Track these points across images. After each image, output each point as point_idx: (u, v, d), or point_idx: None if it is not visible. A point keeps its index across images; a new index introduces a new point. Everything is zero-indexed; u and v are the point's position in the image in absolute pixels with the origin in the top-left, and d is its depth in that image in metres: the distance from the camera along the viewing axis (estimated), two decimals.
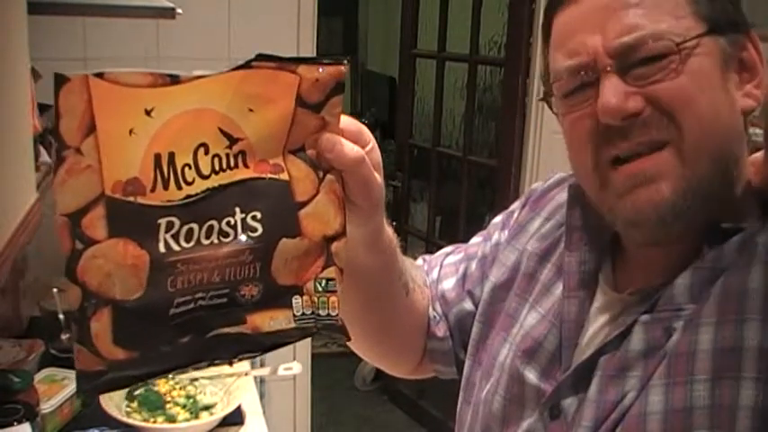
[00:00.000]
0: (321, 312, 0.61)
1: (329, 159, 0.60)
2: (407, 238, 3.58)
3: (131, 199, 0.54)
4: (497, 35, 3.24)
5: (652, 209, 0.65)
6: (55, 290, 1.74)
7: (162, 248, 0.55)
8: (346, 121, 0.62)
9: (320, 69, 0.60)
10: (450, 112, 3.48)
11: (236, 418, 1.48)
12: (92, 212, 0.53)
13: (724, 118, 0.66)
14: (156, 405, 1.43)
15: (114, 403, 1.42)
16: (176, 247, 0.55)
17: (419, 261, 0.98)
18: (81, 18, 1.99)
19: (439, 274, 0.94)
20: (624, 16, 0.65)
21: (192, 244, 0.56)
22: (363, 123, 0.66)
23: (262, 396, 1.74)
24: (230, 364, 0.60)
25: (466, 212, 3.19)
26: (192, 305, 0.56)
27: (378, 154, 0.66)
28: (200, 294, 0.56)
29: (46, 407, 1.38)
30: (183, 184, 0.55)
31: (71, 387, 1.46)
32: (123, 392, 1.46)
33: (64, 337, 1.69)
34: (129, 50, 2.16)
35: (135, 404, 1.45)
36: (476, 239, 0.95)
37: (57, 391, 1.44)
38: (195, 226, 0.56)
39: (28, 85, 1.19)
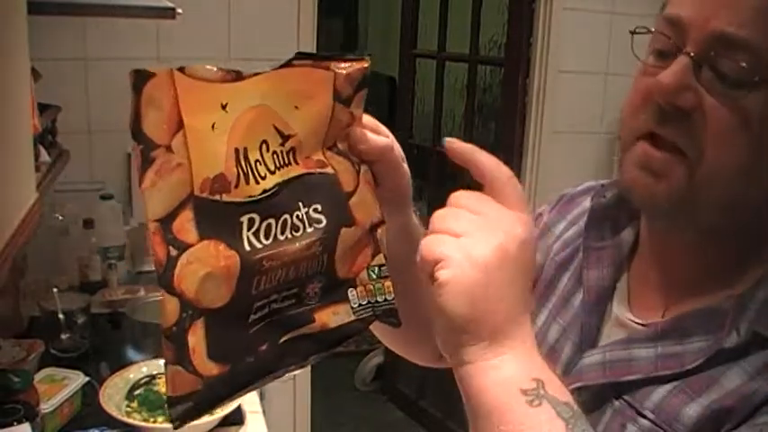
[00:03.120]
0: (379, 299, 0.62)
1: (362, 151, 0.62)
2: None
3: (217, 197, 0.52)
4: (497, 35, 3.24)
5: (644, 194, 0.65)
6: (55, 290, 1.74)
7: (247, 246, 0.53)
8: (365, 118, 0.64)
9: (349, 64, 0.61)
10: (450, 112, 3.48)
11: (236, 417, 1.47)
12: (182, 215, 0.50)
13: (759, 171, 0.61)
14: (156, 405, 1.43)
15: (114, 403, 1.42)
16: (258, 245, 0.54)
17: None
18: (81, 18, 1.99)
19: None
20: (744, 10, 0.59)
21: (270, 240, 0.54)
22: None
23: (262, 396, 1.74)
24: (302, 366, 0.59)
25: None
26: (266, 309, 0.55)
27: (399, 146, 0.68)
28: (274, 296, 0.55)
29: (46, 407, 1.38)
30: (259, 179, 0.55)
31: (71, 387, 1.46)
32: (123, 392, 1.46)
33: (64, 337, 1.70)
34: (129, 50, 2.16)
35: (135, 404, 1.45)
36: None
37: (57, 391, 1.44)
38: (273, 221, 0.55)
39: (28, 85, 1.20)
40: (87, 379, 1.51)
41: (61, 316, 1.70)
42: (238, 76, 0.54)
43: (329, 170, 0.60)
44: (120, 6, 1.57)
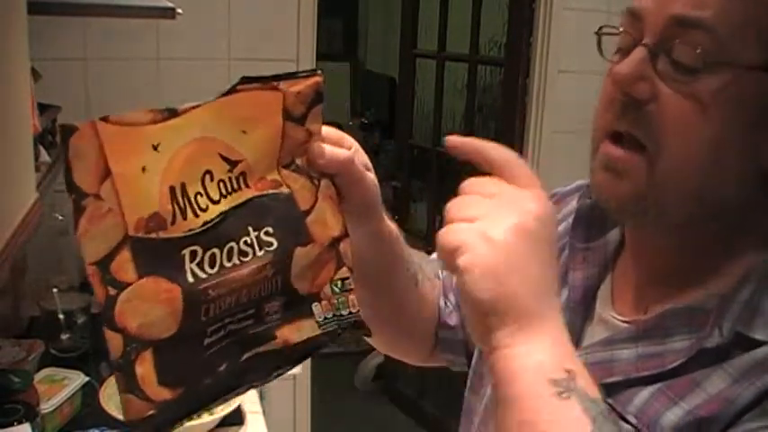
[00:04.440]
0: (343, 312, 0.63)
1: (321, 166, 0.63)
2: (407, 238, 3.57)
3: (154, 235, 0.54)
4: (497, 35, 3.24)
5: (608, 196, 0.65)
6: (55, 290, 1.74)
7: (190, 278, 0.55)
8: (327, 130, 0.64)
9: (298, 82, 0.61)
10: (450, 112, 3.48)
11: (235, 418, 1.48)
12: (119, 256, 0.53)
13: (723, 158, 0.60)
14: None
15: (114, 403, 1.42)
16: (202, 275, 0.55)
17: (434, 255, 0.99)
18: (81, 18, 1.99)
19: None
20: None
21: (216, 269, 0.56)
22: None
23: (262, 396, 1.74)
24: (266, 382, 0.60)
25: None
26: (222, 332, 0.57)
27: (363, 154, 0.68)
28: (228, 319, 0.57)
29: (46, 407, 1.38)
30: (198, 212, 0.56)
31: (71, 387, 1.46)
32: None
33: (64, 337, 1.70)
34: (129, 50, 2.16)
35: None
36: None
37: (57, 391, 1.44)
38: (216, 251, 0.56)
39: (28, 85, 1.20)
40: (87, 379, 1.51)
41: (61, 316, 1.70)
42: (172, 114, 0.55)
43: (284, 189, 0.61)
44: (120, 6, 1.57)
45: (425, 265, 0.92)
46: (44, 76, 1.56)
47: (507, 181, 0.56)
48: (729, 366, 0.59)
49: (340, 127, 0.68)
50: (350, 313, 0.63)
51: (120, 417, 1.41)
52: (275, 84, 0.60)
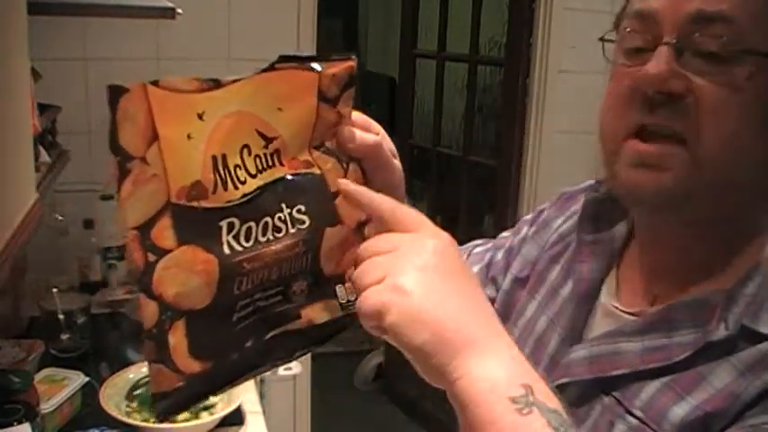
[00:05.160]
0: None
1: (351, 149, 0.63)
2: None
3: (195, 204, 0.54)
4: (497, 35, 3.24)
5: (647, 191, 0.65)
6: (55, 290, 1.74)
7: (226, 250, 0.55)
8: (356, 115, 0.64)
9: (333, 64, 0.61)
10: (450, 112, 3.48)
11: (236, 418, 1.47)
12: (160, 222, 0.52)
13: (756, 142, 0.62)
14: None
15: (114, 403, 1.42)
16: (238, 248, 0.55)
17: None
18: (81, 18, 1.99)
19: (467, 260, 0.96)
20: None
21: (251, 243, 0.56)
22: None
23: (262, 396, 1.74)
24: (289, 361, 0.60)
25: (466, 212, 3.19)
26: (251, 308, 0.57)
27: (389, 141, 0.68)
28: (258, 295, 0.57)
29: (46, 407, 1.38)
30: (238, 184, 0.56)
31: (71, 387, 1.46)
32: (123, 392, 1.46)
33: (64, 337, 1.70)
34: (129, 50, 2.16)
35: (135, 404, 1.45)
36: (506, 233, 0.97)
37: (57, 391, 1.44)
38: (253, 224, 0.56)
39: (28, 85, 1.20)
40: (87, 379, 1.51)
41: (61, 316, 1.70)
42: (216, 85, 0.55)
43: (315, 170, 0.61)
44: (120, 6, 1.57)
45: None
46: (44, 76, 1.56)
47: (397, 229, 0.57)
48: (735, 359, 0.60)
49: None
50: None
51: (121, 417, 1.41)
52: (312, 64, 0.60)
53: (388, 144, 0.68)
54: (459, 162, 3.16)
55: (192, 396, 0.54)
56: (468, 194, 3.15)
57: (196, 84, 0.54)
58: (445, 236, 0.57)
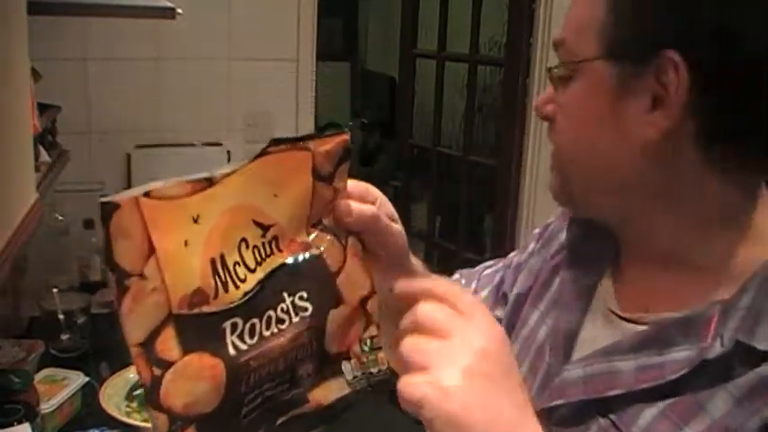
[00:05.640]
0: (372, 370, 0.63)
1: (348, 224, 0.62)
2: (407, 238, 3.57)
3: (197, 311, 0.53)
4: (497, 35, 3.25)
5: (550, 189, 0.73)
6: (55, 290, 1.74)
7: (231, 351, 0.54)
8: (351, 184, 0.64)
9: (327, 141, 0.61)
10: (450, 112, 3.48)
11: None
12: (163, 334, 0.51)
13: (601, 148, 0.66)
14: None
15: (114, 403, 1.42)
16: (243, 347, 0.54)
17: (455, 276, 1.00)
18: (81, 18, 1.99)
19: (477, 285, 0.95)
20: (567, 14, 0.69)
21: (255, 339, 0.55)
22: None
23: None
24: None
25: (466, 212, 3.19)
26: (259, 399, 0.56)
27: (389, 205, 0.69)
28: (266, 386, 0.56)
29: (46, 407, 1.38)
30: (239, 283, 0.55)
31: (71, 387, 1.46)
32: (123, 392, 1.46)
33: (64, 337, 1.70)
34: (129, 50, 2.16)
35: (135, 404, 1.45)
36: (515, 252, 0.96)
37: (57, 391, 1.44)
38: (256, 320, 0.55)
39: (28, 85, 1.20)
40: (87, 379, 1.51)
41: (61, 316, 1.70)
42: (209, 183, 0.54)
43: (314, 251, 0.60)
44: (120, 6, 1.57)
45: None
46: (44, 76, 1.56)
47: (453, 308, 0.57)
48: (734, 387, 0.58)
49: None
50: (379, 371, 0.63)
51: (121, 417, 1.41)
52: (304, 144, 0.60)
53: (387, 209, 0.68)
54: (459, 162, 3.16)
55: None
56: (468, 194, 3.15)
57: (188, 187, 0.53)
58: (497, 331, 0.57)
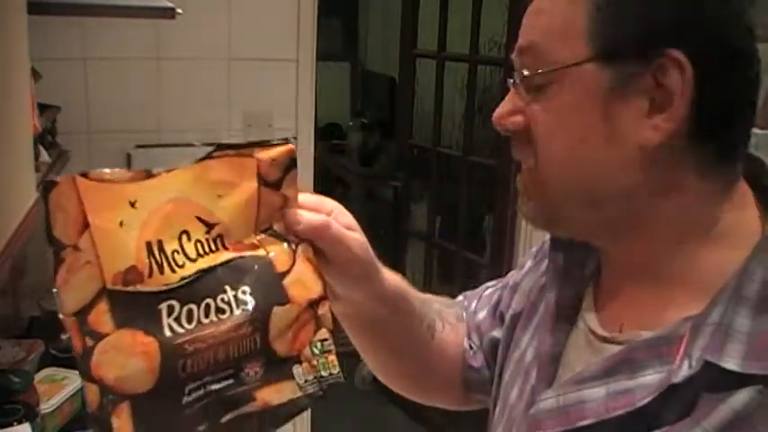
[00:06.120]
0: (324, 374, 0.64)
1: (297, 232, 0.65)
2: (407, 239, 3.58)
3: (131, 288, 0.55)
4: (497, 35, 3.24)
5: (529, 219, 0.70)
6: (55, 290, 1.74)
7: (167, 332, 0.56)
8: (304, 196, 0.66)
9: (272, 149, 0.64)
10: (450, 112, 3.48)
11: None
12: (96, 307, 0.54)
13: (590, 157, 0.62)
14: None
15: None
16: (180, 330, 0.56)
17: (460, 297, 0.99)
18: (81, 18, 1.99)
19: (476, 306, 0.95)
20: (531, 21, 0.67)
21: (193, 324, 0.57)
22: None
23: None
24: None
25: (466, 212, 3.19)
26: (202, 390, 0.57)
27: (345, 215, 0.70)
28: (208, 378, 0.57)
29: (46, 407, 1.38)
30: (176, 268, 0.58)
31: (71, 387, 1.46)
32: None
33: (64, 337, 1.69)
34: (129, 50, 2.16)
35: None
36: (513, 271, 0.95)
37: (57, 391, 1.44)
38: (194, 306, 0.58)
39: (28, 85, 1.20)
40: None
41: (61, 316, 1.69)
42: (148, 175, 0.58)
43: (261, 252, 0.63)
44: (120, 6, 1.57)
45: (446, 310, 0.91)
46: (44, 76, 1.56)
47: None
48: (708, 424, 0.55)
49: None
50: (330, 374, 0.65)
51: None
52: (250, 151, 0.63)
53: (343, 219, 0.69)
54: (459, 162, 3.16)
55: None
56: (468, 194, 3.15)
57: (129, 174, 0.57)
58: None
